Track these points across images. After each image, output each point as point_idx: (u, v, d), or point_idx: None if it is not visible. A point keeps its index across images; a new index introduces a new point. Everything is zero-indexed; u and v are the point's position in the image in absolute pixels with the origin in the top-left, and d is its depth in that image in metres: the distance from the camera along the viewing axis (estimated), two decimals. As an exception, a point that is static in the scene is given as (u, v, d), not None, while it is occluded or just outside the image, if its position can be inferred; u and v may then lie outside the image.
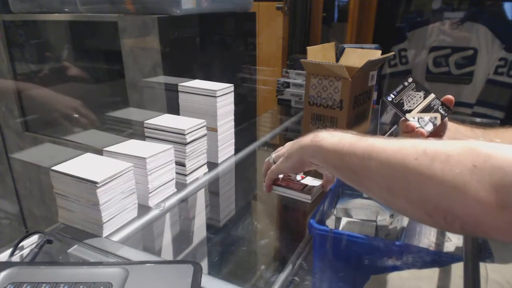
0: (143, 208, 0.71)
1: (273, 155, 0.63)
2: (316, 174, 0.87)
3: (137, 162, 0.69)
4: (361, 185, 0.47)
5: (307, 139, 0.53)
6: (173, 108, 0.94)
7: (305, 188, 0.79)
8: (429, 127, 0.64)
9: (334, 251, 0.63)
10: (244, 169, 0.96)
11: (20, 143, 1.49)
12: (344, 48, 1.15)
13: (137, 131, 1.01)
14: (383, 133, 0.99)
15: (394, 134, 0.80)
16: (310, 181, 0.83)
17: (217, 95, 0.85)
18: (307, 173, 0.86)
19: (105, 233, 0.63)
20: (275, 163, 0.62)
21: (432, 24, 1.69)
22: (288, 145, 0.59)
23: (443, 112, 0.65)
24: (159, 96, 1.12)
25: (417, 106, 0.67)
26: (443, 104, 0.66)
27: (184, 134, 0.77)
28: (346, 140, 0.47)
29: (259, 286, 0.60)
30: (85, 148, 1.08)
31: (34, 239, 0.60)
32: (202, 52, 1.26)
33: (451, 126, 0.66)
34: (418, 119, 0.65)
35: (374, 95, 1.18)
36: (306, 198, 0.78)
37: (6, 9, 1.36)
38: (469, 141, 0.37)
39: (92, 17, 1.20)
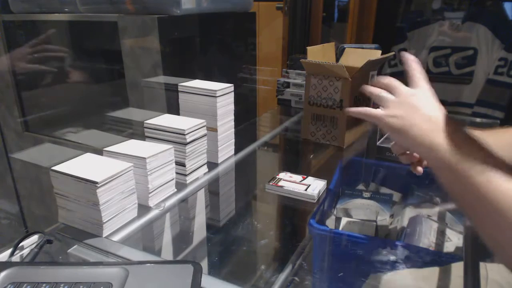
0: (143, 208, 0.71)
1: (389, 98, 0.54)
2: (317, 174, 0.87)
3: (137, 162, 0.69)
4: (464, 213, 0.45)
5: (439, 139, 0.47)
6: (173, 108, 0.94)
7: (308, 188, 0.79)
8: None
9: (334, 251, 0.63)
10: (244, 169, 0.96)
11: (20, 143, 1.49)
12: (344, 48, 1.15)
13: (137, 131, 1.00)
14: (383, 133, 0.99)
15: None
16: (312, 181, 0.83)
17: (217, 95, 0.85)
18: (307, 173, 0.86)
19: (105, 233, 0.63)
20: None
21: (432, 24, 1.69)
22: (412, 113, 0.51)
23: None
24: (159, 96, 1.12)
25: None
26: None
27: (184, 134, 0.77)
28: (477, 170, 0.42)
29: (259, 286, 0.60)
30: (85, 148, 1.08)
31: (34, 239, 0.60)
32: (202, 52, 1.26)
33: None
34: None
35: (374, 95, 1.18)
36: (310, 198, 0.78)
37: (6, 9, 1.36)
38: None
39: (92, 17, 1.20)
